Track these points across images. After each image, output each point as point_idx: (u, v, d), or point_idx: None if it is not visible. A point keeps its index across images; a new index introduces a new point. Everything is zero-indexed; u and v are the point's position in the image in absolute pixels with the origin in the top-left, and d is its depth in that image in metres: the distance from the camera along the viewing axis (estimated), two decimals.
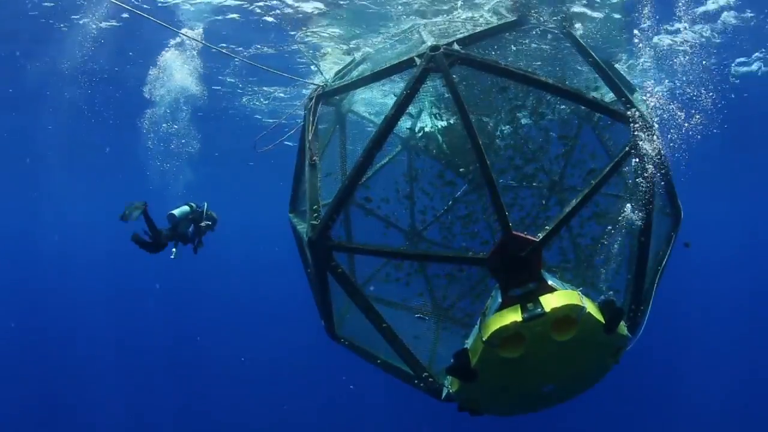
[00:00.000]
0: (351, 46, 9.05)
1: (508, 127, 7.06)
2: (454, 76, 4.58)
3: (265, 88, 13.97)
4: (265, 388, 27.41)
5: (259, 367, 29.74)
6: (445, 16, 7.82)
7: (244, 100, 15.01)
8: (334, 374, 24.14)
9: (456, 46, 4.81)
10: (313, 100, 5.89)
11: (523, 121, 7.32)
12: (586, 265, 6.72)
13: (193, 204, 8.32)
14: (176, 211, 7.99)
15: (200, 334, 33.35)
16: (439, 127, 7.58)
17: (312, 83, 6.48)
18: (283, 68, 8.94)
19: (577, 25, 7.71)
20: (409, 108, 5.02)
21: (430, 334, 6.90)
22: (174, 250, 7.95)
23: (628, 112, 4.98)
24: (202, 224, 8.23)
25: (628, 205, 5.13)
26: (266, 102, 14.75)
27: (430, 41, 5.23)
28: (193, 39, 9.36)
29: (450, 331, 7.07)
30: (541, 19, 6.66)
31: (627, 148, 4.83)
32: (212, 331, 34.16)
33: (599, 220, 6.34)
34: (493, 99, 6.61)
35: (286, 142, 7.32)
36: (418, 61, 4.73)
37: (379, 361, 5.69)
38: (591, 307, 4.20)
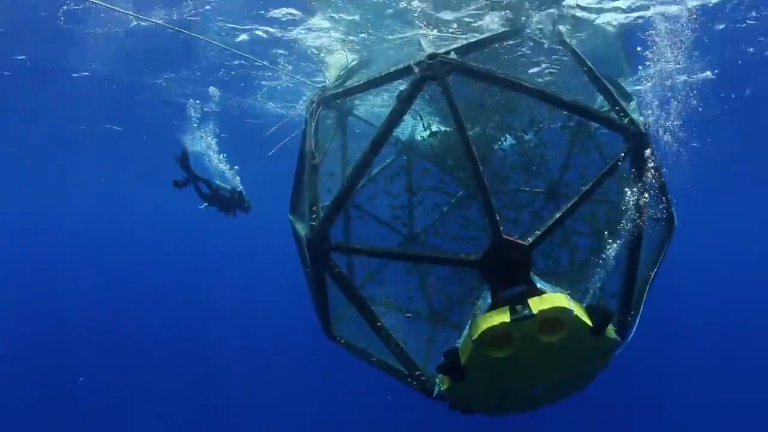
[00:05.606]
0: (355, 41, 9.12)
1: (509, 137, 7.13)
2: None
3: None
4: (262, 386, 27.70)
5: (255, 365, 30.11)
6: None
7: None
8: (330, 373, 24.41)
9: (453, 55, 4.92)
10: (314, 104, 6.04)
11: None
12: (578, 269, 6.78)
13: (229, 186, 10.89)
14: (218, 181, 10.64)
15: (198, 331, 33.89)
16: (440, 132, 7.68)
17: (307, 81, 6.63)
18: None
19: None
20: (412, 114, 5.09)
21: (424, 336, 7.01)
22: (206, 204, 10.51)
23: (624, 121, 5.07)
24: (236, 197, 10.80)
25: (622, 211, 5.23)
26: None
27: (429, 49, 5.32)
28: (187, 33, 9.30)
29: (444, 336, 7.15)
30: (537, 29, 6.74)
31: (619, 156, 4.92)
32: (208, 328, 34.72)
33: (593, 224, 6.40)
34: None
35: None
36: (415, 69, 4.84)
37: (374, 360, 5.81)
38: (578, 311, 4.28)
